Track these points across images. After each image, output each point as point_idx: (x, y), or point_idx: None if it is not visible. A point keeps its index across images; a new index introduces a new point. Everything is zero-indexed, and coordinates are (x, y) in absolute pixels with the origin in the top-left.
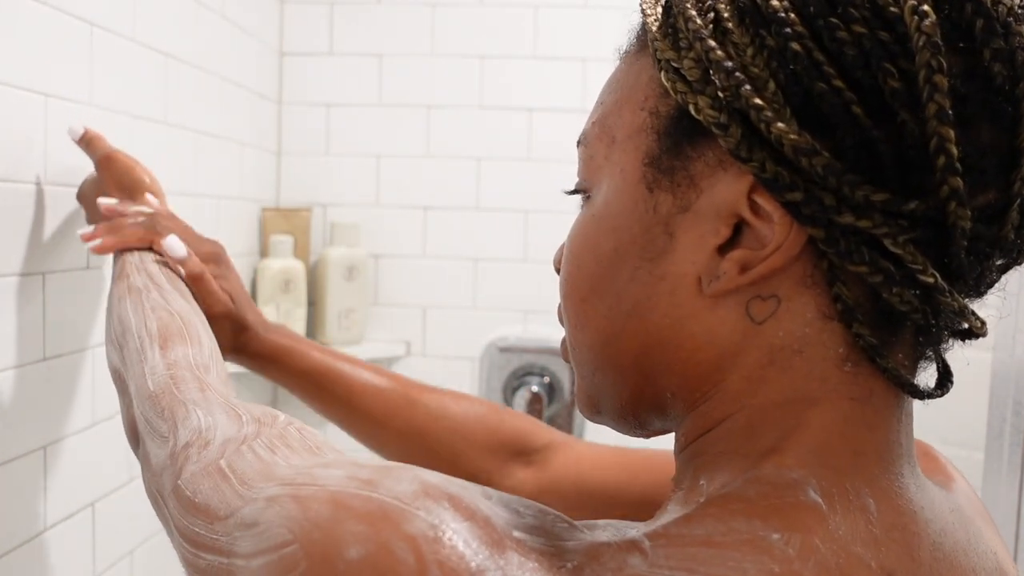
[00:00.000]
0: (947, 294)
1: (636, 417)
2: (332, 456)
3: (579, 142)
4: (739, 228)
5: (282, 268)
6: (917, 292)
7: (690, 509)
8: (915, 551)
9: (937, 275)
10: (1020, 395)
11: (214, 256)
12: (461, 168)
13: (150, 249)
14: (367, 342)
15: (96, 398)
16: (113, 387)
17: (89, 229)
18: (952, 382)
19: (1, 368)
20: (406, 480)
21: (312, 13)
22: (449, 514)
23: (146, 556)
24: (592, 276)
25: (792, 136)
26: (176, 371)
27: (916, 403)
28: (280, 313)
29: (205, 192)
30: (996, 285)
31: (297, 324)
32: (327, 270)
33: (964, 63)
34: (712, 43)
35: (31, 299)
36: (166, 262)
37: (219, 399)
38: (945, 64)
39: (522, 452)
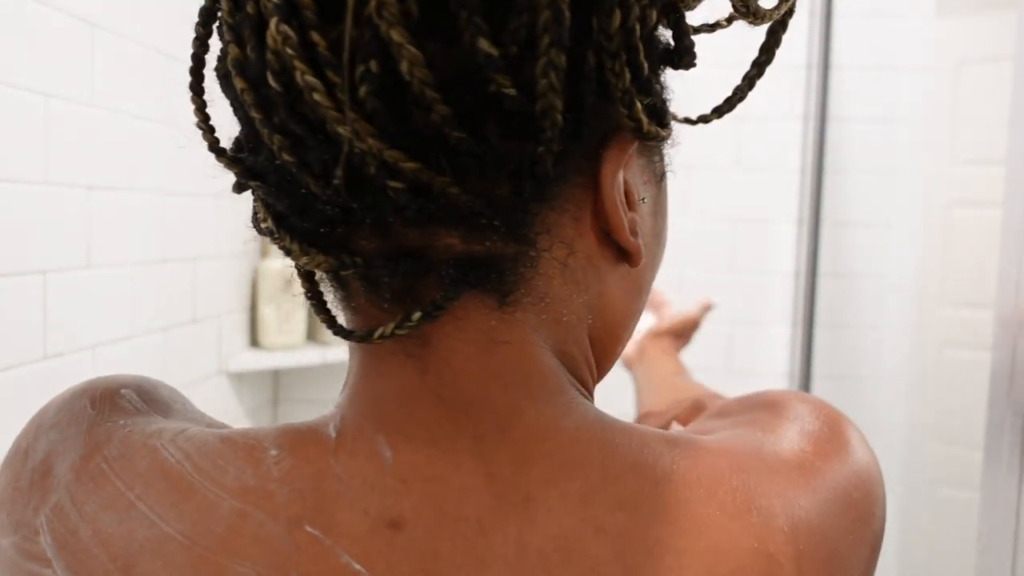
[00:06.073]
0: (276, 237)
1: None
2: None
3: None
4: None
5: (282, 268)
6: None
7: None
8: (446, 505)
9: (270, 220)
10: (1020, 395)
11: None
12: None
13: None
14: None
15: None
16: None
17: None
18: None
19: (1, 368)
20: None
21: None
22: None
23: None
24: None
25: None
26: None
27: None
28: (280, 313)
29: (205, 192)
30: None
31: (297, 324)
32: None
33: None
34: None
35: (31, 299)
36: None
37: None
38: None
39: None
